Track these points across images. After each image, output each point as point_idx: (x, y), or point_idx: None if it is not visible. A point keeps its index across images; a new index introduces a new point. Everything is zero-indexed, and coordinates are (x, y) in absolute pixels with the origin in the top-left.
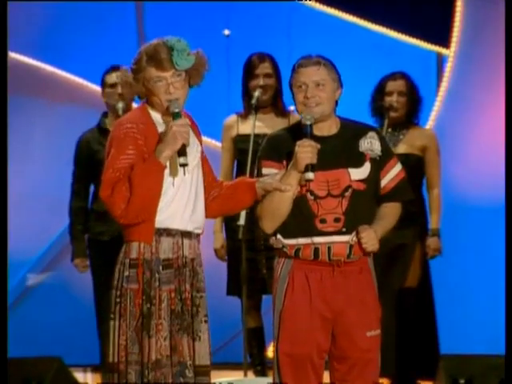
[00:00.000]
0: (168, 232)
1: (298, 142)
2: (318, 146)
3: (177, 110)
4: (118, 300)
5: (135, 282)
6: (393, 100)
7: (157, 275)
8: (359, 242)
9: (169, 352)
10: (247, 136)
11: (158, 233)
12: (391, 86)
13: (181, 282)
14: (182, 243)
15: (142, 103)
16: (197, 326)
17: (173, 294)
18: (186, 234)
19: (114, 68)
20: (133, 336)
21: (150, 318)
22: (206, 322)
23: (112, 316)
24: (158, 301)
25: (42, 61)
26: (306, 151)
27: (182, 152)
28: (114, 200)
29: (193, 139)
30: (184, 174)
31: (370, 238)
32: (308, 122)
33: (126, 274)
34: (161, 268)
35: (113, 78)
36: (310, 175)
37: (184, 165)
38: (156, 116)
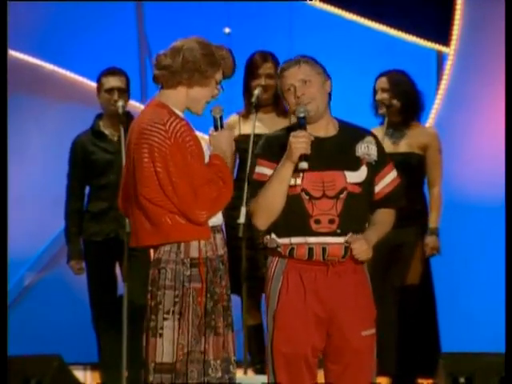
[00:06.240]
0: (217, 229)
1: (293, 133)
2: (312, 137)
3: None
4: (176, 300)
5: (198, 281)
6: (378, 98)
7: (218, 272)
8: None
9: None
10: (249, 136)
11: (212, 231)
12: (377, 83)
13: (228, 277)
14: (225, 239)
15: (158, 102)
16: None
17: (224, 291)
18: (221, 230)
19: (112, 72)
20: (196, 335)
21: (214, 316)
22: None
23: (167, 316)
24: (220, 298)
25: (42, 59)
26: (300, 141)
27: None
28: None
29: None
30: None
31: (362, 250)
32: (301, 115)
33: (188, 273)
34: (220, 265)
35: (110, 82)
36: (304, 165)
37: None
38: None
